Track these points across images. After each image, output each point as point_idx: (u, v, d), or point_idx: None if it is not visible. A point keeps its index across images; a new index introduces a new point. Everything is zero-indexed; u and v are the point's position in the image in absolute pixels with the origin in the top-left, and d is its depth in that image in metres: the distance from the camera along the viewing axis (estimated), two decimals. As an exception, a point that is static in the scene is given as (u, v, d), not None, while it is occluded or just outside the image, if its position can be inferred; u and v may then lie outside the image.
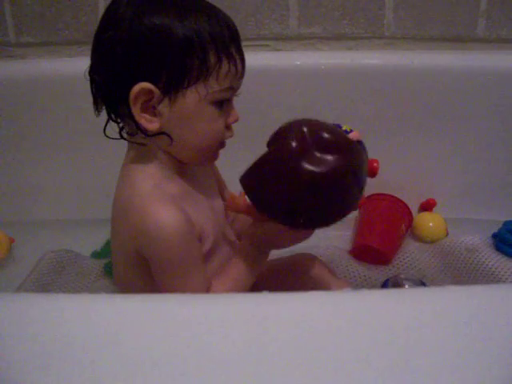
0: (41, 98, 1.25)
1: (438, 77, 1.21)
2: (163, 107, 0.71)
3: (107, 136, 0.76)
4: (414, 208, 1.29)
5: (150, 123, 0.71)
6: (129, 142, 0.78)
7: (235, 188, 0.78)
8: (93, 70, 0.73)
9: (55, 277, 1.11)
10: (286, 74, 1.24)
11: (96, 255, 1.20)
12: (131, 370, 0.43)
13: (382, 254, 1.14)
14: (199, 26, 0.69)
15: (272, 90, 1.22)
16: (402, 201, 1.25)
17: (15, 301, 0.52)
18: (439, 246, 1.18)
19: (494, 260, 1.09)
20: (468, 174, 1.29)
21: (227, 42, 0.71)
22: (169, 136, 0.73)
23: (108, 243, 1.22)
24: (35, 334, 0.46)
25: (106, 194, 1.30)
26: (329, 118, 1.23)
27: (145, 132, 0.72)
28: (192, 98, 0.71)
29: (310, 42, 1.28)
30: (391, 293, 0.60)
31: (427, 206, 1.29)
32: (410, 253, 1.17)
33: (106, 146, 1.27)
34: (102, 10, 1.26)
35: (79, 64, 1.24)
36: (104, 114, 0.76)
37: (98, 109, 0.76)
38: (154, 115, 0.71)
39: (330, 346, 0.45)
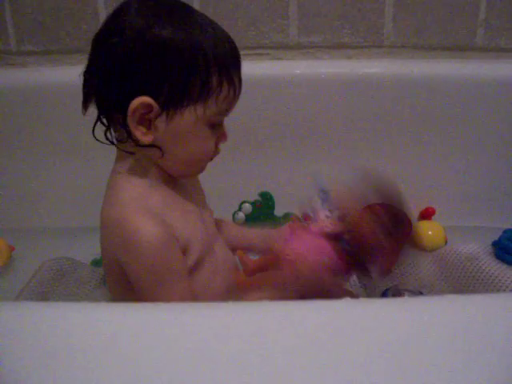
0: (41, 106, 1.25)
1: (437, 85, 1.22)
2: (160, 122, 0.71)
3: (96, 138, 0.76)
4: (413, 216, 1.29)
5: (144, 136, 0.71)
6: (117, 148, 0.78)
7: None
8: (89, 72, 0.73)
9: (55, 284, 1.11)
10: (286, 83, 1.24)
11: (96, 263, 1.19)
12: (131, 378, 0.43)
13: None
14: (206, 47, 0.70)
15: (272, 98, 1.23)
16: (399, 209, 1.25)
17: (15, 309, 0.52)
18: (438, 254, 1.18)
19: (494, 268, 1.09)
20: (467, 181, 1.29)
21: (230, 67, 0.72)
22: (160, 149, 0.73)
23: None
24: (35, 343, 0.46)
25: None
26: (328, 126, 1.24)
27: (136, 142, 0.73)
28: (189, 117, 0.72)
29: (309, 50, 1.28)
30: (390, 302, 0.60)
31: (426, 215, 1.29)
32: (410, 261, 1.17)
33: (105, 154, 1.28)
34: (102, 19, 1.26)
35: (80, 73, 1.27)
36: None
37: (85, 108, 0.76)
38: (149, 128, 0.71)
39: (330, 355, 0.45)
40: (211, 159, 0.80)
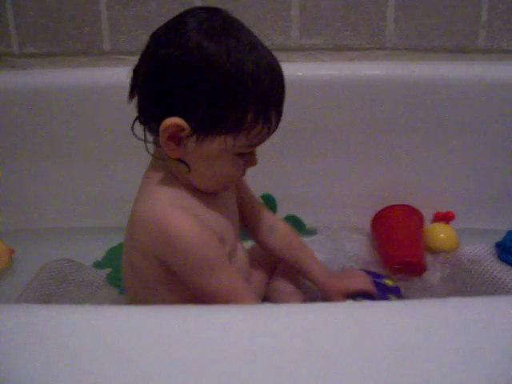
0: (43, 108, 1.25)
1: (440, 87, 1.22)
2: (190, 141, 0.72)
3: (135, 135, 0.76)
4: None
5: (172, 151, 0.73)
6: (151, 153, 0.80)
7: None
8: (137, 72, 0.74)
9: (56, 286, 1.11)
10: (287, 85, 1.23)
11: (98, 265, 1.19)
12: (134, 380, 0.43)
13: (422, 267, 1.14)
14: (251, 82, 0.69)
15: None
16: (411, 206, 1.26)
17: (16, 311, 0.52)
18: (442, 257, 1.17)
19: (498, 270, 1.09)
20: (470, 183, 1.29)
21: (270, 107, 0.72)
22: (187, 166, 0.75)
23: (110, 253, 1.22)
24: (37, 345, 0.45)
25: (107, 204, 1.32)
26: (330, 128, 1.24)
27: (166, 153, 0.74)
28: (218, 144, 0.72)
29: (311, 52, 1.28)
30: (393, 304, 0.60)
31: (443, 218, 1.27)
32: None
33: (107, 156, 1.29)
34: (104, 22, 1.27)
35: (82, 75, 1.27)
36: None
37: (131, 98, 0.76)
38: (179, 145, 0.73)
39: (333, 356, 0.45)
40: (236, 181, 0.83)
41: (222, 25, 0.71)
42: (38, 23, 1.28)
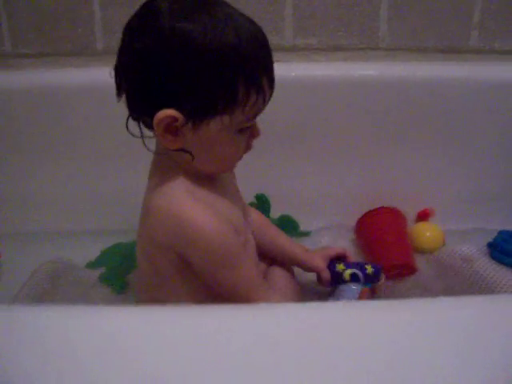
0: (37, 109, 1.25)
1: (433, 87, 1.22)
2: (186, 130, 0.71)
3: (130, 133, 0.75)
4: (410, 218, 1.30)
5: (171, 143, 0.72)
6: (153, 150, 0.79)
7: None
8: (119, 69, 0.72)
9: (50, 287, 1.11)
10: (281, 86, 1.23)
11: (91, 265, 1.19)
12: (131, 380, 0.43)
13: (413, 269, 1.14)
14: (233, 56, 0.67)
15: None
16: (396, 208, 1.26)
17: (11, 312, 0.51)
18: (434, 256, 1.18)
19: (490, 269, 1.09)
20: (462, 183, 1.29)
21: (259, 75, 0.70)
22: (190, 153, 0.74)
23: (103, 253, 1.22)
24: (32, 346, 0.45)
25: (100, 206, 1.31)
26: (324, 128, 1.24)
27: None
28: (215, 126, 0.71)
29: (305, 52, 1.28)
30: (386, 304, 0.60)
31: (424, 216, 1.29)
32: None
33: (101, 157, 1.29)
34: (98, 22, 1.27)
35: (75, 75, 1.27)
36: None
37: (119, 96, 0.74)
38: (177, 135, 0.72)
39: (326, 355, 0.45)
40: (241, 157, 0.81)
41: (194, 2, 0.68)
42: (31, 23, 1.28)
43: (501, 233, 1.16)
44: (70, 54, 1.30)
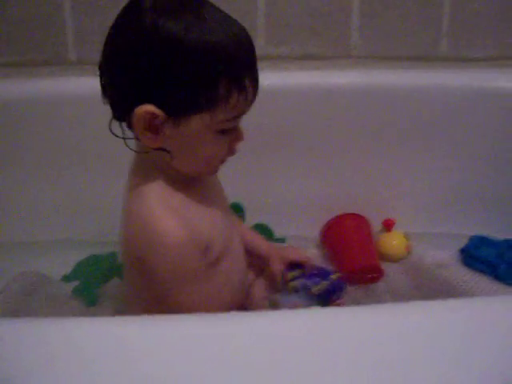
0: (9, 120, 1.23)
1: (404, 95, 1.23)
2: (167, 127, 0.70)
3: (113, 133, 0.74)
4: (378, 223, 1.31)
5: (150, 141, 0.71)
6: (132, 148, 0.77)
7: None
8: (102, 68, 0.72)
9: (24, 300, 1.09)
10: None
11: (66, 279, 1.18)
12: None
13: (379, 270, 1.15)
14: (215, 53, 0.66)
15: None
16: (360, 215, 1.27)
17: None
18: (408, 264, 1.18)
19: (463, 274, 1.11)
20: (434, 188, 1.31)
21: (242, 73, 0.69)
22: (169, 153, 0.73)
23: (78, 266, 1.21)
24: (5, 359, 0.45)
25: (76, 216, 1.30)
26: (297, 136, 1.25)
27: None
28: (196, 124, 0.70)
29: (277, 62, 1.29)
30: (372, 308, 0.61)
31: (387, 226, 1.30)
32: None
33: (81, 167, 1.27)
34: (69, 31, 1.26)
35: (47, 85, 1.25)
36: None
37: (105, 96, 0.74)
38: (157, 133, 0.70)
39: (317, 361, 0.45)
40: (224, 160, 0.79)
41: (177, 1, 0.68)
42: (2, 32, 1.26)
43: (472, 239, 1.18)
44: (42, 63, 1.29)
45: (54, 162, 1.26)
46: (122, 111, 0.72)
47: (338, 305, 0.97)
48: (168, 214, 0.73)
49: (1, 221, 1.31)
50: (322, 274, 0.99)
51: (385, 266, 1.20)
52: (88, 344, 0.47)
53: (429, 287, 1.11)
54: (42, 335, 0.49)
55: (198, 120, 0.70)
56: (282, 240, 1.29)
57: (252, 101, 0.74)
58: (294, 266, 0.99)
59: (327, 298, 0.95)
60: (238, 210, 1.27)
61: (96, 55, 1.27)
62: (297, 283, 0.94)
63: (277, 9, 1.25)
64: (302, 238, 1.29)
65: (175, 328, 0.50)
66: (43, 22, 1.26)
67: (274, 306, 0.95)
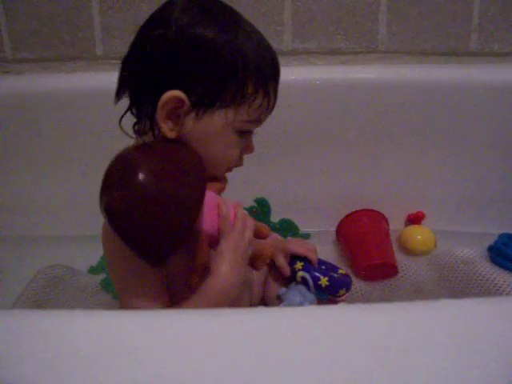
0: (36, 114, 1.25)
1: (432, 90, 1.22)
2: (188, 119, 0.70)
3: (122, 129, 0.74)
4: (401, 220, 1.30)
5: (170, 131, 0.71)
6: (135, 140, 0.77)
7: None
8: (128, 61, 0.73)
9: (50, 292, 1.11)
10: (280, 89, 1.24)
11: (93, 271, 1.19)
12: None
13: (393, 267, 1.15)
14: (248, 53, 0.69)
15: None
16: (377, 211, 1.27)
17: (10, 317, 0.51)
18: (435, 259, 1.18)
19: (490, 273, 1.09)
20: (464, 187, 1.29)
21: (268, 79, 0.72)
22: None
23: (103, 259, 1.22)
24: (31, 351, 0.45)
25: (99, 210, 1.31)
26: (323, 131, 1.25)
27: (156, 137, 0.72)
28: (219, 119, 0.70)
29: (304, 56, 1.28)
30: (385, 307, 0.60)
31: (415, 219, 1.29)
32: (406, 266, 1.17)
33: (99, 162, 1.28)
34: (97, 26, 1.27)
35: (75, 80, 1.27)
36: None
37: (118, 97, 0.75)
38: (177, 124, 0.70)
39: (327, 360, 0.45)
40: (231, 169, 0.79)
41: (213, 5, 0.71)
42: (30, 28, 1.28)
43: (501, 236, 1.16)
44: (70, 58, 1.30)
45: (82, 156, 1.28)
46: (145, 99, 0.71)
47: (343, 300, 0.97)
48: None
49: (29, 215, 1.34)
50: (331, 267, 0.99)
51: (411, 260, 1.20)
52: (105, 337, 0.48)
53: (454, 283, 1.10)
54: (64, 326, 0.49)
55: (222, 115, 0.70)
56: (307, 235, 1.29)
57: (271, 110, 0.75)
58: (297, 258, 0.98)
59: (335, 292, 0.94)
60: (264, 204, 1.27)
61: (123, 50, 1.29)
62: (306, 274, 0.93)
63: (303, 4, 1.25)
64: (322, 233, 1.30)
65: (180, 323, 0.50)
66: (71, 18, 1.27)
67: (280, 301, 0.94)
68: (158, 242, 0.65)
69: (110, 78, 1.21)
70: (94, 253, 1.22)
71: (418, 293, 1.10)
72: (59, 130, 1.26)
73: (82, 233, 1.32)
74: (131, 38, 1.30)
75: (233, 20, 0.71)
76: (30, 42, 1.29)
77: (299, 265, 0.96)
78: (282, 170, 1.28)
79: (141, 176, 0.63)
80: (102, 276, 1.16)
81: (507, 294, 1.03)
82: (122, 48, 1.34)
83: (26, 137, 1.27)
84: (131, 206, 0.64)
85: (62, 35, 1.28)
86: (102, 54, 1.29)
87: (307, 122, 1.24)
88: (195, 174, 0.69)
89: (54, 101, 1.25)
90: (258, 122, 0.75)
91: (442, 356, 0.46)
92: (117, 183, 0.67)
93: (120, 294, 0.75)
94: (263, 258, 0.80)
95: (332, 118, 1.24)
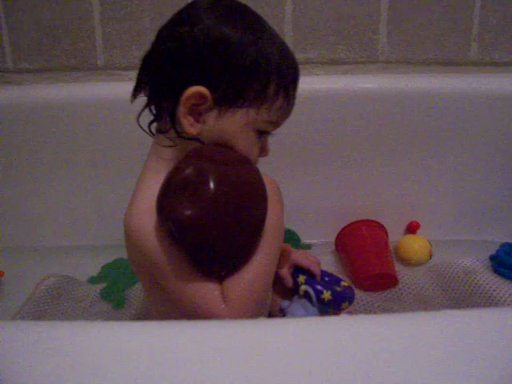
0: (38, 124, 1.26)
1: (432, 100, 1.22)
2: (209, 117, 0.70)
3: (140, 126, 0.74)
4: (400, 230, 1.30)
5: (191, 127, 0.70)
6: (155, 138, 0.76)
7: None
8: (149, 57, 0.73)
9: (51, 303, 1.11)
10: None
11: (93, 280, 1.19)
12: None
13: (393, 278, 1.14)
14: (271, 55, 0.70)
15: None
16: (376, 221, 1.27)
17: (12, 328, 0.51)
18: (436, 268, 1.17)
19: (492, 282, 1.09)
20: (466, 196, 1.29)
21: (289, 81, 0.73)
22: (203, 144, 0.72)
23: (105, 268, 1.22)
24: (32, 363, 0.45)
25: (101, 221, 1.31)
26: (324, 141, 1.25)
27: (179, 133, 0.72)
28: (240, 118, 0.71)
29: (305, 66, 1.29)
30: (386, 318, 0.60)
31: (411, 229, 1.29)
32: (408, 276, 1.17)
33: (101, 172, 1.29)
34: (98, 37, 1.27)
35: (76, 90, 1.28)
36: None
37: (135, 95, 0.75)
38: (198, 121, 0.71)
39: (328, 372, 0.45)
40: None
41: (238, 7, 0.73)
42: (32, 39, 1.29)
43: (503, 246, 1.16)
44: (71, 69, 1.31)
45: (82, 166, 1.28)
46: (167, 94, 0.71)
47: (349, 312, 0.95)
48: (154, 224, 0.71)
49: (30, 225, 1.34)
50: (334, 280, 0.99)
51: (411, 270, 1.19)
52: (104, 349, 0.47)
53: (456, 292, 1.10)
54: (58, 339, 0.49)
55: (244, 114, 0.70)
56: (309, 246, 1.29)
57: (289, 113, 0.76)
58: (300, 270, 0.98)
59: (338, 305, 0.94)
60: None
61: (124, 61, 1.29)
62: (309, 288, 0.93)
63: (304, 13, 1.25)
64: (321, 243, 1.30)
65: (182, 335, 0.50)
66: (73, 28, 1.28)
67: (282, 313, 0.94)
68: (224, 257, 0.67)
69: (111, 88, 1.24)
70: (94, 263, 1.23)
71: (419, 303, 1.09)
72: (60, 140, 1.26)
73: (83, 243, 1.32)
74: (132, 48, 1.31)
75: (258, 23, 0.72)
76: (32, 52, 1.30)
77: (302, 278, 0.96)
78: (282, 181, 1.28)
79: (213, 188, 0.64)
80: (102, 286, 1.16)
81: (509, 305, 1.03)
82: (123, 58, 1.35)
83: (27, 147, 1.27)
84: (204, 221, 0.64)
85: (64, 46, 1.29)
86: (103, 64, 1.29)
87: (307, 133, 1.24)
88: (260, 185, 0.71)
89: (55, 111, 1.25)
90: (277, 124, 0.75)
91: (445, 366, 0.45)
92: (188, 194, 0.66)
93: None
94: (286, 255, 0.82)
95: (332, 128, 1.24)
